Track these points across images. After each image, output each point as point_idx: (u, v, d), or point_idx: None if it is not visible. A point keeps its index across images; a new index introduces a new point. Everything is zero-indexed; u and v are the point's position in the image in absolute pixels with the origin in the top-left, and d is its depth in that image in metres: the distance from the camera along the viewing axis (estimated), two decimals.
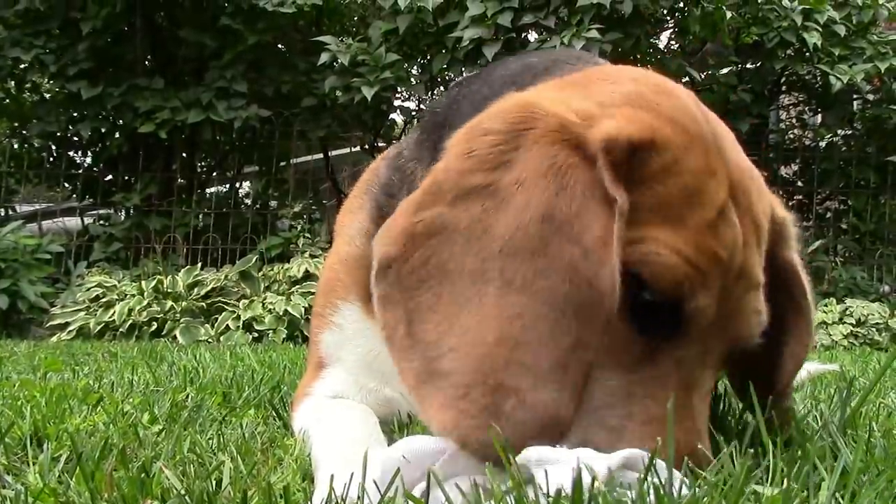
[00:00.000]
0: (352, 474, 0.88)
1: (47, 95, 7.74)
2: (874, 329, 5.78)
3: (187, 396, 1.87)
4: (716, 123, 1.10)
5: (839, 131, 7.85)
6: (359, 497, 0.86)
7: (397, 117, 8.07)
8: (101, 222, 7.54)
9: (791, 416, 1.21)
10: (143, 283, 5.95)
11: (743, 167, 1.08)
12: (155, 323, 5.58)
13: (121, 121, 7.14)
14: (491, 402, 0.88)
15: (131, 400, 1.79)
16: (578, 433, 0.94)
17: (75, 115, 7.31)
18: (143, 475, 1.00)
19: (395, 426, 1.41)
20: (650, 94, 1.07)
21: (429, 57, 6.79)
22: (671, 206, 0.99)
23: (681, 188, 0.99)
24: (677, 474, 0.85)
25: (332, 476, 0.91)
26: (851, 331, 5.73)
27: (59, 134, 7.53)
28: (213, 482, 1.02)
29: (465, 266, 0.95)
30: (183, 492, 0.95)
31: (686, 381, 0.99)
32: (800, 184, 7.87)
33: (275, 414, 1.66)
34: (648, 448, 0.88)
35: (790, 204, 7.72)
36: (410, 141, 1.44)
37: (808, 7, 6.46)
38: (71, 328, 5.62)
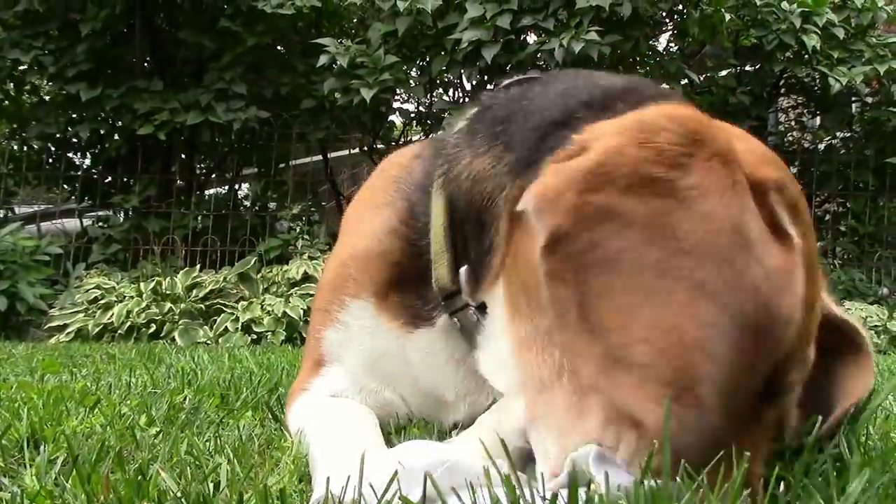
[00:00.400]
0: (349, 477, 0.88)
1: (46, 97, 7.73)
2: (873, 332, 5.77)
3: (185, 398, 1.87)
4: None
5: (838, 134, 7.85)
6: (355, 501, 0.86)
7: (396, 119, 8.07)
8: (100, 224, 7.53)
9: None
10: (141, 284, 5.94)
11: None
12: (154, 325, 5.57)
13: (120, 122, 7.14)
14: (681, 411, 0.87)
15: (129, 402, 1.79)
16: None
17: (74, 116, 7.30)
18: (139, 477, 1.00)
19: (393, 429, 1.41)
20: (777, 157, 1.12)
21: (428, 59, 6.79)
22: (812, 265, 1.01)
23: (813, 253, 1.04)
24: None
25: (329, 479, 0.91)
26: None
27: (57, 135, 7.52)
28: (210, 484, 1.02)
29: (646, 258, 0.93)
30: (179, 494, 0.95)
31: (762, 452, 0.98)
32: (799, 186, 7.86)
33: (272, 416, 1.66)
34: None
35: None
36: (457, 135, 1.36)
37: (807, 10, 6.46)
38: (69, 330, 5.61)
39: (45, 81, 7.56)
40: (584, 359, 0.92)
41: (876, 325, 5.81)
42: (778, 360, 0.94)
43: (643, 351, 0.89)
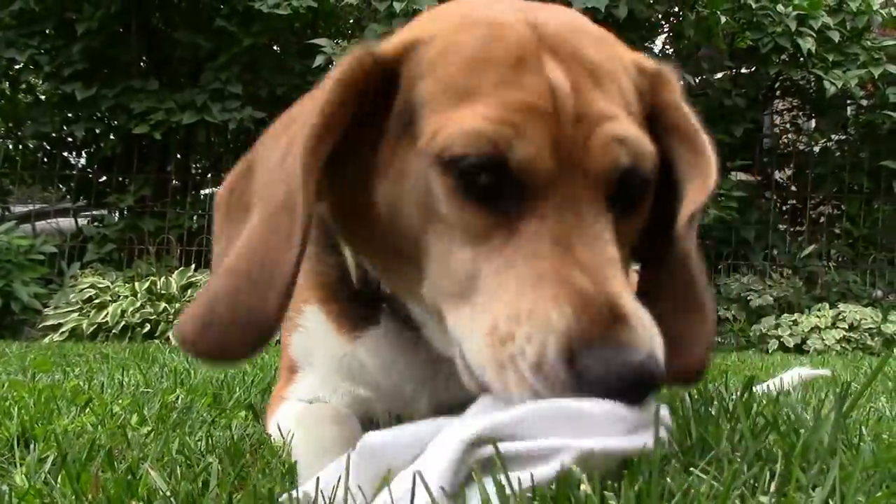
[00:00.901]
0: (339, 478, 0.88)
1: (42, 96, 7.73)
2: (867, 334, 5.79)
3: (177, 398, 1.87)
4: (536, 7, 1.10)
5: (833, 136, 7.87)
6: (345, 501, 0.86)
7: None
8: (95, 223, 7.53)
9: (686, 263, 1.10)
10: (136, 284, 5.93)
11: (570, 26, 1.07)
12: (148, 324, 5.57)
13: (115, 122, 7.13)
14: (208, 310, 1.00)
15: (121, 401, 1.79)
16: (478, 309, 0.95)
17: (70, 115, 7.29)
18: (129, 477, 0.99)
19: (371, 426, 1.41)
20: (457, 5, 1.13)
21: None
22: (457, 85, 0.99)
23: (458, 65, 1.00)
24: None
25: (318, 479, 0.91)
26: (844, 335, 5.74)
27: (53, 135, 7.52)
28: (200, 483, 1.02)
29: (253, 193, 1.09)
30: (169, 493, 0.95)
31: (564, 231, 0.95)
32: (794, 188, 7.88)
33: (258, 419, 1.66)
34: (551, 306, 0.88)
35: (784, 209, 7.74)
36: None
37: (802, 12, 6.47)
38: (64, 329, 5.61)
39: (41, 80, 7.56)
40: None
41: (870, 328, 5.83)
42: None
43: (217, 273, 1.05)
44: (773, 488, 0.89)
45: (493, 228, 0.96)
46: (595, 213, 0.97)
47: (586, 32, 1.09)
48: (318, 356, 1.40)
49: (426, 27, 1.08)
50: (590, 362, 0.85)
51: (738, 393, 1.41)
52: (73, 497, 0.94)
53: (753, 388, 1.47)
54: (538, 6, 1.11)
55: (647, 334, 0.89)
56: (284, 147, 1.04)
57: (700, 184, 1.07)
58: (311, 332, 1.39)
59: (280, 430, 1.32)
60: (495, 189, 0.96)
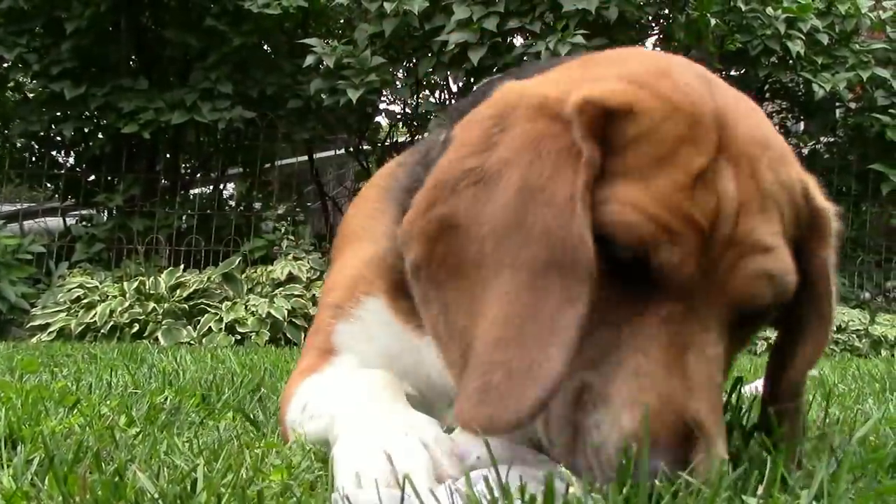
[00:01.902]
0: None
1: (30, 95, 7.69)
2: (854, 335, 5.82)
3: (166, 399, 1.86)
4: (728, 100, 1.09)
5: (822, 139, 7.90)
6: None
7: (382, 120, 8.07)
8: (84, 223, 7.49)
9: (799, 421, 1.20)
10: (125, 284, 5.91)
11: (755, 138, 1.06)
12: (137, 324, 5.55)
13: (104, 121, 7.09)
14: (482, 382, 0.93)
15: (109, 402, 1.78)
16: (570, 387, 0.97)
17: (58, 114, 7.25)
18: (116, 478, 0.99)
19: None
20: (644, 69, 1.09)
21: (414, 60, 6.79)
22: (641, 169, 0.99)
23: (652, 153, 1.00)
24: None
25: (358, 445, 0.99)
26: (832, 337, 5.76)
27: (41, 134, 7.48)
28: (188, 485, 1.01)
29: (470, 254, 1.00)
30: (156, 495, 0.94)
31: (677, 338, 0.98)
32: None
33: (252, 417, 1.66)
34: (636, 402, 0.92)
35: None
36: (436, 140, 1.40)
37: (791, 15, 6.50)
38: (52, 329, 5.58)
39: (30, 79, 7.52)
40: (450, 369, 1.01)
41: (858, 330, 5.86)
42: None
43: (476, 347, 0.96)
44: (760, 490, 0.89)
45: (619, 305, 1.00)
46: (719, 333, 1.01)
47: (769, 147, 1.08)
48: (369, 346, 1.40)
49: (639, 98, 1.03)
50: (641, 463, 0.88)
51: (727, 394, 1.42)
52: (61, 499, 0.94)
53: (741, 389, 1.48)
54: (724, 89, 1.12)
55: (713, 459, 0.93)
56: (516, 204, 0.98)
57: (816, 345, 1.15)
58: (366, 322, 1.40)
59: (308, 398, 1.32)
60: (634, 272, 0.99)
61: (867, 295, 7.08)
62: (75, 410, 1.65)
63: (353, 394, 1.22)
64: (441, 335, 1.01)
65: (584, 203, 0.95)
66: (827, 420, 1.60)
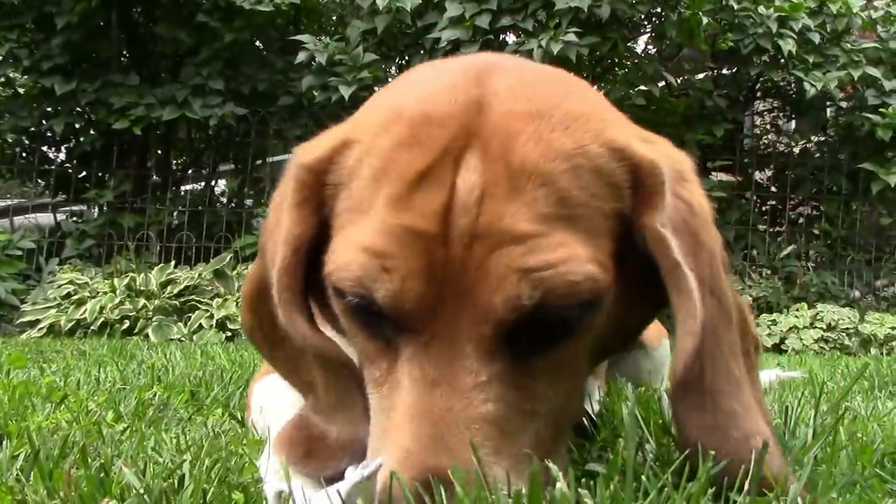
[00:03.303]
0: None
1: (21, 90, 7.65)
2: (844, 334, 5.83)
3: (154, 395, 1.86)
4: (502, 84, 0.94)
5: (813, 138, 7.92)
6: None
7: None
8: (74, 219, 7.46)
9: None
10: (115, 280, 5.89)
11: (521, 112, 0.91)
12: (127, 321, 5.52)
13: (95, 117, 7.06)
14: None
15: (96, 398, 1.78)
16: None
17: (49, 110, 7.22)
18: (102, 474, 0.99)
19: None
20: (399, 83, 1.06)
21: (407, 57, 6.78)
22: (363, 197, 0.91)
23: (370, 174, 0.91)
24: None
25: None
26: (822, 335, 5.78)
27: (32, 129, 7.44)
28: (176, 481, 1.01)
29: None
30: (142, 491, 0.94)
31: (421, 379, 0.86)
32: (773, 189, 7.93)
33: (240, 414, 1.65)
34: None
35: (763, 209, 7.79)
36: None
37: (783, 14, 6.51)
38: (42, 325, 5.55)
39: (20, 74, 7.48)
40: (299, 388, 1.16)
41: (848, 328, 5.87)
42: None
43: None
44: (746, 487, 0.89)
45: (380, 353, 0.92)
46: (479, 356, 0.86)
47: (544, 117, 0.91)
48: None
49: (359, 122, 0.99)
50: None
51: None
52: (45, 494, 0.93)
53: None
54: (512, 67, 1.00)
55: None
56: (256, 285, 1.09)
57: (687, 328, 0.92)
58: None
59: (264, 401, 1.34)
60: (376, 317, 0.90)
61: (857, 293, 7.10)
62: (62, 406, 1.64)
63: (287, 405, 1.20)
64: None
65: (281, 286, 0.97)
66: (818, 417, 1.61)
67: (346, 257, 0.88)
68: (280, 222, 1.00)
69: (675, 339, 0.94)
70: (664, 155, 0.99)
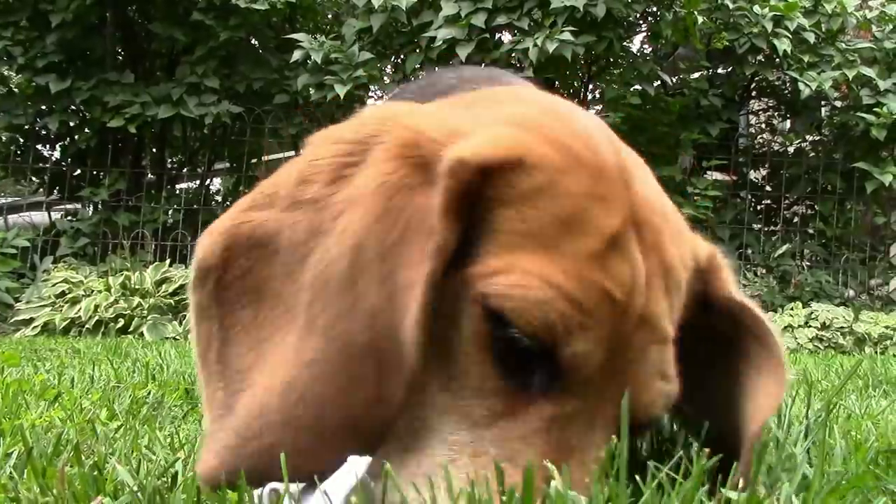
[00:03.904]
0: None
1: (15, 88, 7.63)
2: (838, 333, 5.85)
3: (148, 393, 1.85)
4: (626, 155, 0.95)
5: (807, 137, 7.94)
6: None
7: None
8: (69, 217, 7.45)
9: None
10: (110, 279, 5.88)
11: (654, 204, 0.91)
12: (122, 319, 5.52)
13: (90, 115, 7.06)
14: (256, 464, 0.76)
15: (90, 396, 1.77)
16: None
17: (43, 108, 7.21)
18: (95, 472, 0.98)
19: None
20: (539, 114, 0.93)
21: (402, 56, 6.78)
22: (545, 232, 0.83)
23: (557, 212, 0.84)
24: None
25: None
26: (816, 334, 5.80)
27: (26, 127, 7.43)
28: (169, 478, 1.01)
29: (282, 290, 0.83)
30: (136, 489, 0.94)
31: (561, 445, 0.81)
32: (768, 188, 7.95)
33: None
34: None
35: (758, 208, 7.80)
36: None
37: (778, 14, 6.52)
38: (36, 324, 5.54)
39: (14, 72, 7.46)
40: (208, 403, 0.82)
41: (842, 327, 5.89)
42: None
43: (247, 397, 0.80)
44: (741, 484, 0.89)
45: (502, 393, 0.82)
46: (602, 434, 0.84)
47: (669, 219, 0.93)
48: None
49: (527, 143, 0.86)
50: None
51: None
52: (38, 492, 0.93)
53: None
54: (619, 141, 0.97)
55: None
56: (351, 263, 0.80)
57: (773, 390, 0.94)
58: None
59: None
60: (524, 359, 0.82)
61: (851, 293, 7.12)
62: (56, 404, 1.64)
63: None
64: (211, 359, 0.83)
65: (423, 306, 0.77)
66: (811, 415, 1.61)
67: (537, 294, 0.80)
68: (386, 208, 0.82)
69: (754, 391, 0.96)
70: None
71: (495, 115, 0.92)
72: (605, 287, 0.81)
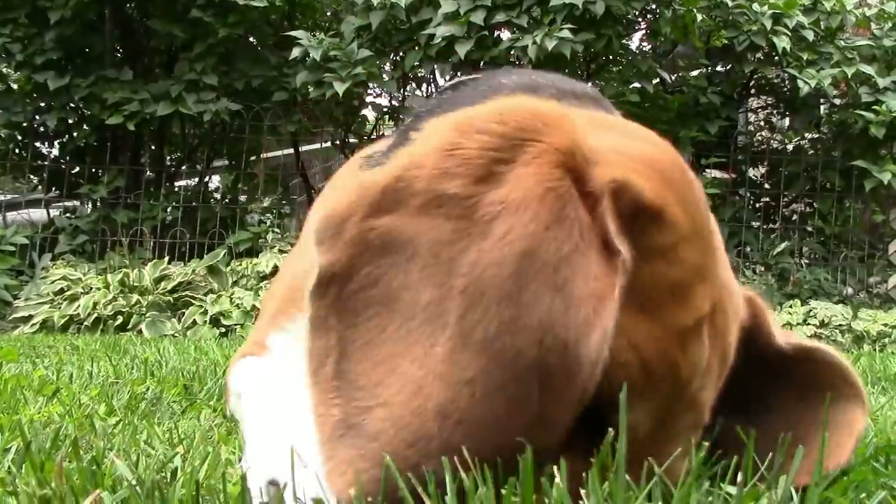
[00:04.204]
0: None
1: (13, 85, 7.62)
2: (837, 330, 5.85)
3: (147, 389, 1.85)
4: (713, 223, 0.93)
5: (806, 135, 7.93)
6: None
7: (369, 113, 8.04)
8: (67, 214, 7.44)
9: None
10: (108, 276, 5.88)
11: (726, 282, 0.90)
12: (120, 317, 5.52)
13: (88, 112, 7.05)
14: (405, 488, 0.70)
15: (89, 392, 1.77)
16: None
17: (42, 105, 7.20)
18: (94, 467, 0.98)
19: None
20: (669, 164, 0.88)
21: (401, 54, 6.77)
22: (652, 294, 0.80)
23: (668, 278, 0.81)
24: None
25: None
26: (815, 332, 5.80)
27: (24, 124, 7.42)
28: (168, 474, 1.01)
29: (421, 298, 0.75)
30: (134, 483, 0.94)
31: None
32: (767, 186, 7.95)
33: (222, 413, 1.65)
34: None
35: (757, 206, 7.80)
36: (385, 143, 1.21)
37: (777, 11, 6.52)
38: (34, 321, 5.54)
39: (13, 69, 7.45)
40: (321, 423, 0.74)
41: (840, 325, 5.89)
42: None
43: (379, 417, 0.72)
44: (739, 478, 0.89)
45: (572, 444, 0.79)
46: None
47: (732, 297, 0.92)
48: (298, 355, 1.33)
49: (666, 191, 0.83)
50: None
51: None
52: (37, 485, 0.93)
53: None
54: (720, 244, 0.96)
55: None
56: (516, 268, 0.73)
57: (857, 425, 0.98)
58: (297, 336, 1.30)
59: (242, 389, 1.23)
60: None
61: (850, 290, 7.12)
62: (55, 399, 1.64)
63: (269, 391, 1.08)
64: (326, 375, 0.75)
65: (612, 312, 0.73)
66: None
67: (629, 357, 0.78)
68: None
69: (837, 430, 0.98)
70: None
71: (630, 147, 0.87)
72: (678, 365, 0.80)
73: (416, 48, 6.45)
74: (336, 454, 0.72)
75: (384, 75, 6.93)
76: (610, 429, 0.78)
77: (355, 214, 0.78)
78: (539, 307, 0.72)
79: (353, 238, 0.77)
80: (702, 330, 0.83)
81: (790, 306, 6.16)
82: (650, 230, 0.80)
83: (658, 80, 6.97)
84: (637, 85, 6.67)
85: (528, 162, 0.77)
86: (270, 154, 8.30)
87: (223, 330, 5.42)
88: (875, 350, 5.59)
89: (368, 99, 7.77)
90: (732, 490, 0.89)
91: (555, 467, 0.82)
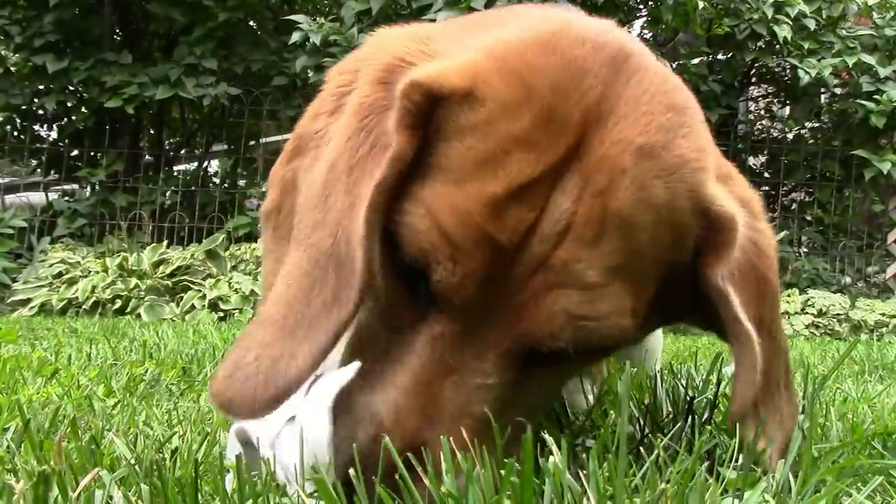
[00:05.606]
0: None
1: (12, 68, 7.60)
2: (835, 319, 5.86)
3: (146, 370, 1.85)
4: (628, 89, 0.88)
5: (806, 124, 7.92)
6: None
7: None
8: (66, 198, 7.44)
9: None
10: (107, 260, 5.87)
11: (632, 146, 0.86)
12: (119, 300, 5.51)
13: (87, 95, 7.03)
14: (237, 358, 0.85)
15: (87, 373, 1.77)
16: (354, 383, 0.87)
17: (41, 88, 7.19)
18: (93, 446, 0.98)
19: None
20: (526, 43, 0.89)
21: None
22: (460, 168, 0.85)
23: (477, 151, 0.85)
24: None
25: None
26: (813, 321, 5.81)
27: (23, 107, 7.41)
28: (168, 453, 1.01)
29: (295, 219, 0.93)
30: (133, 461, 0.94)
31: (440, 361, 0.86)
32: (767, 175, 7.94)
33: None
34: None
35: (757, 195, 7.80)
36: None
37: (779, 0, 6.50)
38: (33, 304, 5.54)
39: (12, 52, 7.43)
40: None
41: (838, 314, 5.90)
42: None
43: (255, 320, 0.89)
44: (740, 461, 0.90)
45: (404, 311, 0.89)
46: (496, 364, 0.87)
47: (654, 157, 0.87)
48: None
49: (488, 80, 0.87)
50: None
51: (706, 372, 1.43)
52: (35, 463, 0.93)
53: (722, 369, 1.48)
54: (643, 67, 0.91)
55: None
56: (326, 179, 0.88)
57: (749, 379, 0.92)
58: None
59: None
60: (419, 281, 0.87)
61: (848, 280, 7.13)
62: (53, 380, 1.64)
63: None
64: (265, 294, 0.96)
65: (371, 205, 0.83)
66: (805, 398, 1.62)
67: (421, 224, 0.84)
68: (358, 129, 0.88)
69: (735, 378, 0.94)
70: (739, 197, 0.99)
71: (483, 39, 0.92)
72: (486, 231, 0.83)
73: None
74: (228, 356, 0.89)
75: None
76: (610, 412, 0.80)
77: (280, 164, 1.02)
78: (336, 207, 0.87)
79: (278, 180, 1.02)
80: (530, 195, 0.84)
81: (788, 295, 6.17)
82: (460, 111, 0.86)
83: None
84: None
85: (359, 86, 0.91)
86: (270, 139, 8.28)
87: (221, 314, 5.42)
88: (872, 339, 5.60)
89: None
90: (731, 474, 0.89)
91: (553, 446, 0.83)
